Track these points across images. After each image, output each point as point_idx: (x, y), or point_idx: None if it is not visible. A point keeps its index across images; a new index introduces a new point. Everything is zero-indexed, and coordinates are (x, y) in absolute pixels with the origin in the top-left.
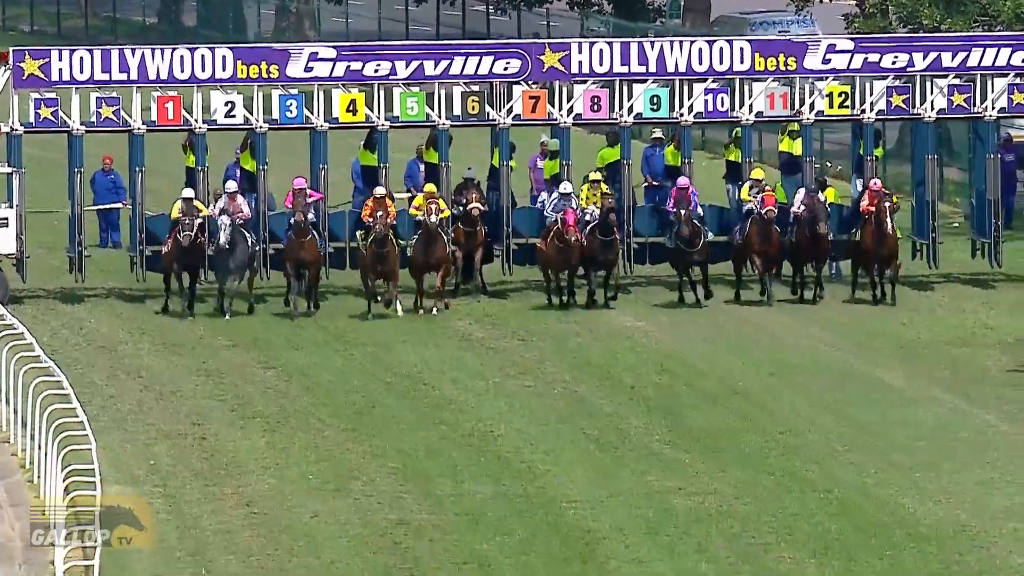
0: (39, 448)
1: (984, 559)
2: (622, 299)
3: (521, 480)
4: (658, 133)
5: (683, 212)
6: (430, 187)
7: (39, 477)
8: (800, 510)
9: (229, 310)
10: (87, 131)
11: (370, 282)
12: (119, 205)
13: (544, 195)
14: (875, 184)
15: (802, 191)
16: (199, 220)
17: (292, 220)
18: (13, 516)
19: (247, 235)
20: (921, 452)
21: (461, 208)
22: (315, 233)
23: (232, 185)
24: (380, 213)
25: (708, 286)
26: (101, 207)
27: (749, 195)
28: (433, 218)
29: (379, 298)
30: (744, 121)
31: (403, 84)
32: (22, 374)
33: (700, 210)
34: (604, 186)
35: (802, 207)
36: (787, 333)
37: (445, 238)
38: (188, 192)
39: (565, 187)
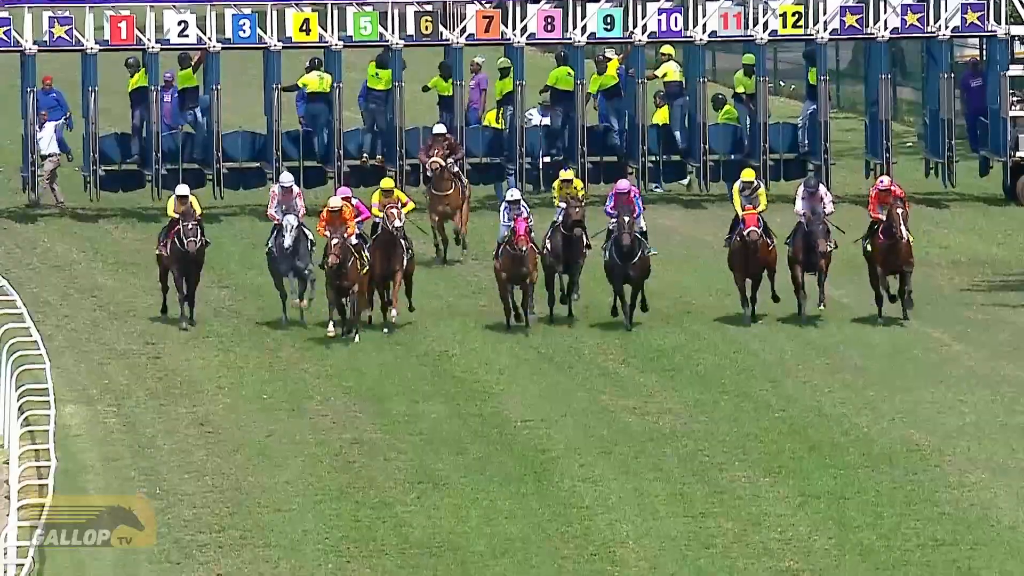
0: None
1: (938, 478)
2: None
3: (475, 400)
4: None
5: (626, 219)
6: (387, 182)
7: None
8: (754, 429)
9: (293, 310)
10: (39, 50)
11: (333, 300)
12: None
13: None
14: (883, 182)
15: (801, 188)
16: (195, 221)
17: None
18: None
19: (308, 235)
20: (874, 372)
21: (426, 169)
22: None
23: (288, 178)
24: (335, 241)
25: (644, 302)
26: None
27: (741, 199)
28: (397, 222)
29: (335, 326)
30: (697, 41)
31: (356, 4)
32: None
33: (643, 221)
34: (578, 183)
35: (802, 214)
36: None
37: (405, 244)
38: (183, 189)
39: (512, 194)
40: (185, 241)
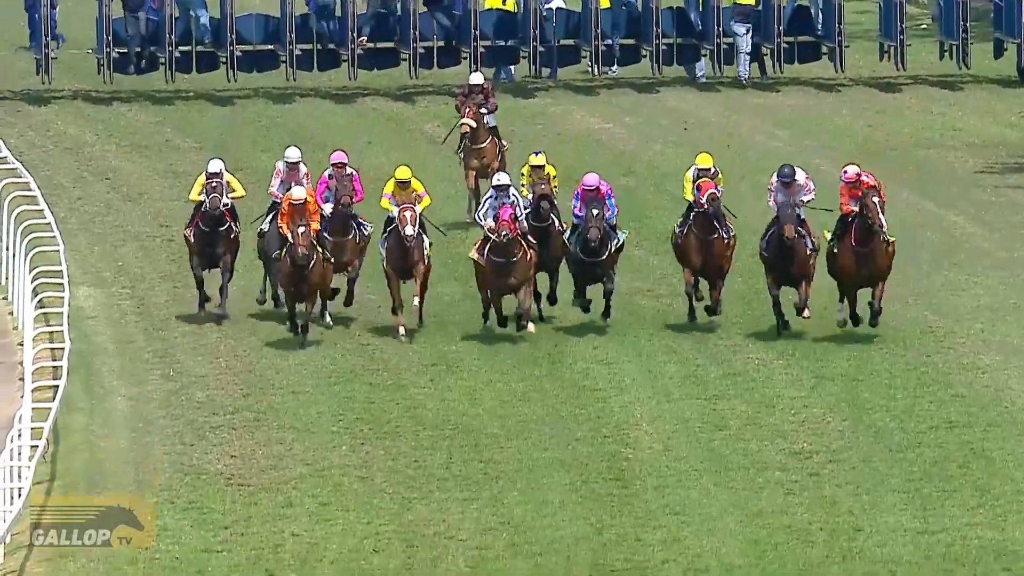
0: (7, 250)
1: (951, 359)
2: (589, 102)
3: None
4: None
5: (595, 212)
6: (403, 171)
7: (7, 279)
8: (768, 312)
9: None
10: None
11: (292, 305)
12: None
13: None
14: (851, 172)
15: (775, 179)
16: (227, 201)
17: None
18: None
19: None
20: None
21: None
22: (357, 228)
23: (294, 153)
24: (302, 229)
25: (608, 307)
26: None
27: (693, 190)
28: (410, 230)
29: (299, 329)
30: None
31: None
32: None
33: (615, 219)
34: (550, 170)
35: (774, 202)
36: (752, 134)
37: (425, 243)
38: (216, 165)
39: (500, 178)
40: (208, 199)
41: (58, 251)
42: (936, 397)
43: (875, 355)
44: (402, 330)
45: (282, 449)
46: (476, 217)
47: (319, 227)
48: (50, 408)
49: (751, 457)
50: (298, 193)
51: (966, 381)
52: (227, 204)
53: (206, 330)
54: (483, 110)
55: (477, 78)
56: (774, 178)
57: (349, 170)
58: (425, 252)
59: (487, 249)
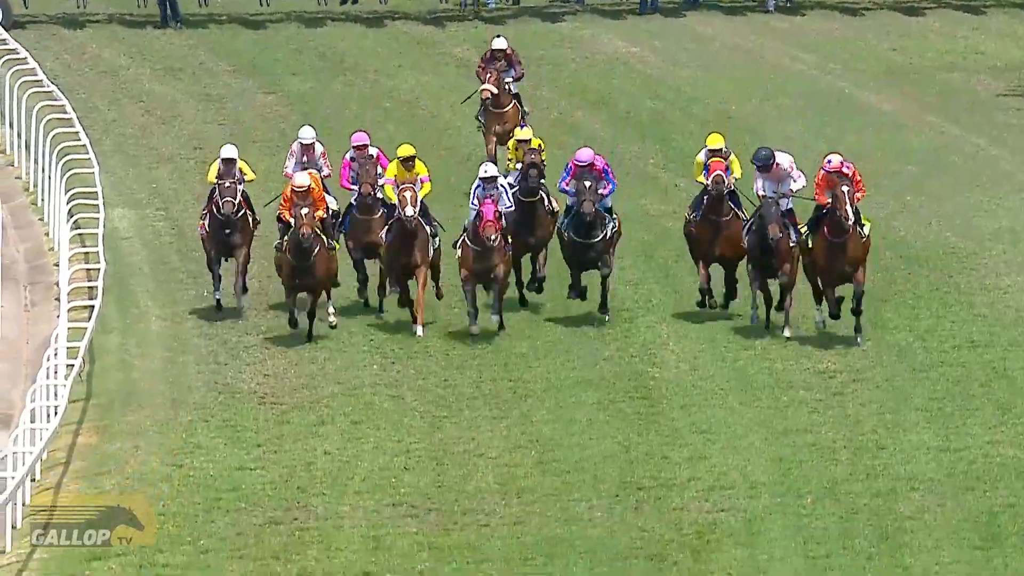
0: (43, 171)
1: (973, 280)
2: (616, 26)
3: None
4: None
5: (587, 184)
6: (406, 149)
7: (43, 200)
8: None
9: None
10: None
11: (292, 299)
12: None
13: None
14: (834, 162)
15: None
16: (240, 187)
17: (356, 196)
18: (18, 238)
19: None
20: (912, 176)
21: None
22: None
23: (309, 133)
24: (305, 210)
25: (605, 302)
26: None
27: (703, 172)
28: (410, 210)
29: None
30: None
31: None
32: (25, 99)
33: (609, 199)
34: (538, 143)
35: (760, 191)
36: (779, 58)
37: (429, 230)
38: (229, 151)
39: (486, 169)
40: (221, 203)
41: (93, 173)
42: (958, 317)
43: (898, 276)
44: (419, 329)
45: (314, 368)
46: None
47: (324, 215)
48: (86, 328)
49: (776, 376)
50: (300, 179)
51: (988, 301)
52: (242, 191)
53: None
54: (507, 78)
55: (500, 43)
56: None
57: (371, 151)
58: (430, 250)
59: (468, 240)
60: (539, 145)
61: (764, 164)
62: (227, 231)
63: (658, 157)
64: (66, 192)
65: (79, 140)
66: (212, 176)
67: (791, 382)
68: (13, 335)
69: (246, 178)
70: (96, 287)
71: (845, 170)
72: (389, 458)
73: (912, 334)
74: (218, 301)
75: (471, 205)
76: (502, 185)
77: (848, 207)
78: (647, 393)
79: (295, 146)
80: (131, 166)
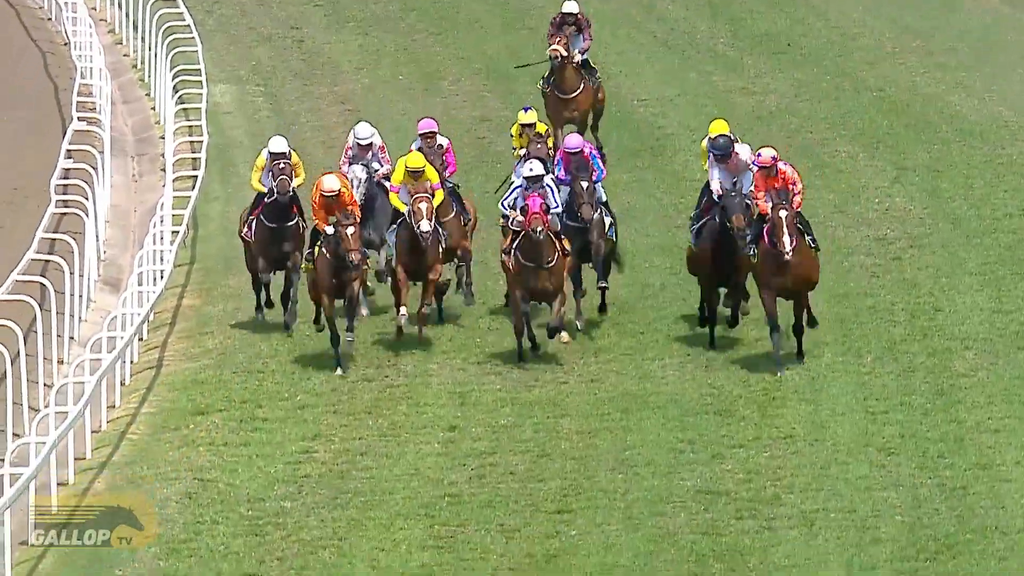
0: (149, 50)
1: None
2: None
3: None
4: None
5: (583, 185)
6: (415, 159)
7: (149, 76)
8: (854, 107)
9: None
10: None
11: (326, 302)
12: None
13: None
14: (765, 156)
15: (710, 156)
16: (292, 184)
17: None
18: (127, 112)
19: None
20: (967, 53)
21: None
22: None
23: (365, 131)
24: (351, 230)
25: (604, 303)
26: None
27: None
28: (425, 225)
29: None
30: None
31: None
32: None
33: (603, 192)
34: (542, 127)
35: (717, 184)
36: None
37: (440, 238)
38: (279, 143)
39: (532, 167)
40: (275, 182)
41: (196, 51)
42: (1011, 186)
43: (954, 148)
44: (403, 311)
45: None
46: (501, 206)
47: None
48: (190, 197)
49: (838, 243)
50: (329, 183)
51: None
52: (291, 193)
53: (332, 124)
54: (576, 50)
55: (571, 6)
56: (709, 154)
57: (440, 140)
58: (441, 252)
59: (515, 248)
60: (545, 131)
61: (723, 153)
62: (278, 240)
63: (728, 36)
64: (171, 69)
65: (183, 20)
66: (256, 180)
67: (852, 248)
68: (122, 204)
69: (298, 179)
70: (199, 158)
71: (783, 168)
72: (474, 319)
73: (966, 203)
74: (261, 307)
75: (508, 209)
76: (548, 185)
77: (786, 238)
78: None
79: (350, 141)
80: (232, 44)
